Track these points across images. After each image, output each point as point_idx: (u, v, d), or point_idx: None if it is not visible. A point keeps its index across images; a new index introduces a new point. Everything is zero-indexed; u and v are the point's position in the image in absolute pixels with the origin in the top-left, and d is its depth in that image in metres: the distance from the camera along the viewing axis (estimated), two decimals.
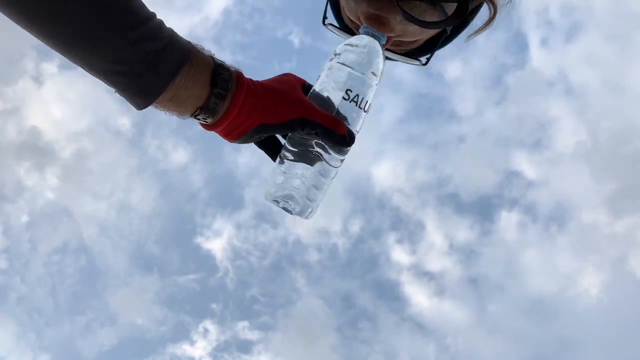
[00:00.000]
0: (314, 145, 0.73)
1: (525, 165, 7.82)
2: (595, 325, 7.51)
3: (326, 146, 0.73)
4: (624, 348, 7.17)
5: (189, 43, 0.65)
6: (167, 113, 0.67)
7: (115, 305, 7.70)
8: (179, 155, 8.09)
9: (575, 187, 7.85)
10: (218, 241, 7.85)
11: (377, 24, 0.74)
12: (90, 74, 0.64)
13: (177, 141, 8.12)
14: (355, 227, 7.86)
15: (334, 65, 0.75)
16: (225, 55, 0.72)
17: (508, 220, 7.75)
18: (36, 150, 7.70)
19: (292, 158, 0.75)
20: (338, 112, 0.73)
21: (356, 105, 0.74)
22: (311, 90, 0.75)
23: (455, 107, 8.05)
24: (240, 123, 0.69)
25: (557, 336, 7.49)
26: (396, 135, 8.02)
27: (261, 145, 0.79)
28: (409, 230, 7.87)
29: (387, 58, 0.78)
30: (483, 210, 7.85)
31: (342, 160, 0.76)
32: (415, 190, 7.94)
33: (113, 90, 0.65)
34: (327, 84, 0.74)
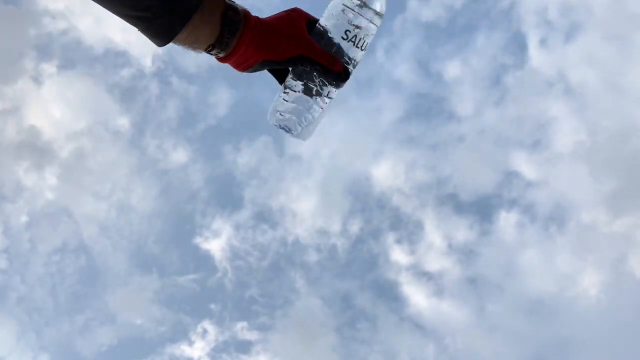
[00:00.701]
0: (314, 77, 0.82)
1: (525, 165, 7.82)
2: (595, 325, 7.52)
3: (324, 80, 0.81)
4: (623, 348, 7.18)
5: None
6: (183, 48, 0.76)
7: (115, 305, 7.70)
8: (179, 155, 8.08)
9: (575, 187, 7.86)
10: (217, 241, 7.85)
11: None
12: (117, 17, 0.72)
13: (177, 141, 8.12)
14: (355, 227, 7.86)
15: (337, 4, 0.81)
16: None
17: (507, 220, 7.76)
18: (36, 150, 7.69)
19: (295, 87, 0.83)
20: (337, 49, 0.81)
21: (354, 45, 0.81)
22: (317, 25, 0.83)
23: (454, 107, 8.05)
24: (247, 58, 0.78)
25: (556, 336, 7.50)
26: (395, 135, 8.02)
27: (270, 71, 0.87)
28: (408, 231, 7.87)
29: None
30: (482, 210, 7.85)
31: (337, 92, 0.84)
32: (414, 190, 7.94)
33: (136, 29, 0.74)
34: (329, 21, 0.81)
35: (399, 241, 7.85)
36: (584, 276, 7.62)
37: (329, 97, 0.84)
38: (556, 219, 7.68)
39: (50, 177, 7.80)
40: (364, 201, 7.96)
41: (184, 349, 7.47)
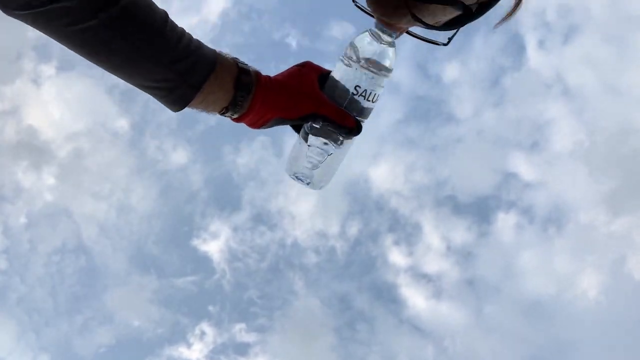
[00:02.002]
0: (327, 132, 0.84)
1: (523, 166, 7.83)
2: (593, 327, 7.51)
3: (337, 133, 0.84)
4: (622, 350, 7.18)
5: (214, 55, 0.78)
6: (198, 111, 0.80)
7: (113, 307, 7.69)
8: (178, 156, 8.08)
9: (573, 188, 7.86)
10: (215, 243, 7.85)
11: (386, 25, 0.81)
12: (134, 86, 0.77)
13: (176, 142, 8.11)
14: (353, 229, 7.86)
15: (350, 62, 0.82)
16: None
17: (505, 222, 7.76)
18: (35, 150, 7.69)
19: (309, 140, 0.85)
20: (348, 104, 0.83)
21: (364, 99, 0.83)
22: (329, 77, 0.84)
23: (453, 109, 8.05)
24: (260, 117, 0.81)
25: (555, 338, 7.50)
26: (394, 137, 8.03)
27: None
28: (407, 232, 7.87)
29: (410, 34, 0.83)
30: (480, 212, 7.85)
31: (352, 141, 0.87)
32: (412, 192, 7.95)
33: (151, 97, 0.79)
34: (341, 75, 0.83)
35: (397, 243, 7.85)
36: (582, 278, 7.62)
37: (343, 147, 0.86)
38: (554, 220, 7.69)
39: (50, 178, 7.81)
40: (363, 203, 7.97)
41: (182, 350, 7.47)
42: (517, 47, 7.85)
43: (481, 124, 8.00)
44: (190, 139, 8.09)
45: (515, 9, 0.80)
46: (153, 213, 8.01)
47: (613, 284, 7.43)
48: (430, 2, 0.73)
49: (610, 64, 7.74)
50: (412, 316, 7.69)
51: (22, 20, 0.70)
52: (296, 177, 0.88)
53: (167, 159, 8.11)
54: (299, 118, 0.82)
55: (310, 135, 0.84)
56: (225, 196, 8.06)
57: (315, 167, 0.86)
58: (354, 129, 0.82)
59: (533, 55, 7.86)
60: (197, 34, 0.79)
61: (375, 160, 8.01)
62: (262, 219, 7.90)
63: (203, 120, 8.11)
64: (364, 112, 0.84)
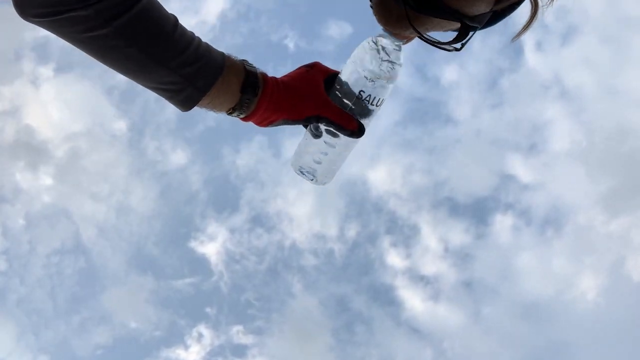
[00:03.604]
0: (332, 133, 0.87)
1: (521, 168, 7.84)
2: (592, 328, 7.51)
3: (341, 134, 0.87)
4: (621, 351, 7.18)
5: (222, 58, 0.80)
6: (206, 111, 0.83)
7: (111, 308, 7.68)
8: (178, 157, 8.07)
9: (571, 189, 7.87)
10: (213, 245, 7.84)
11: (392, 34, 0.83)
12: (143, 87, 0.81)
13: (175, 143, 8.11)
14: (352, 231, 7.86)
15: (357, 69, 0.85)
16: None
17: (503, 223, 7.76)
18: (35, 151, 7.68)
19: (314, 138, 0.89)
20: (353, 106, 0.86)
21: (368, 103, 0.86)
22: (337, 79, 0.87)
23: (451, 111, 8.06)
24: (266, 118, 0.84)
25: (553, 340, 7.49)
26: (392, 139, 8.03)
27: None
28: (405, 234, 7.87)
29: (421, 38, 0.83)
30: (478, 213, 7.85)
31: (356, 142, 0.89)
32: (410, 194, 7.95)
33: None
34: (348, 78, 0.86)
35: (395, 245, 7.85)
36: (580, 279, 7.63)
37: (347, 146, 0.89)
38: (552, 221, 7.70)
39: (49, 179, 7.79)
40: (361, 205, 7.97)
41: (180, 352, 7.46)
42: (514, 49, 7.87)
43: (479, 126, 8.01)
44: (189, 140, 8.09)
45: (532, 20, 0.82)
46: (152, 214, 8.00)
47: (611, 285, 7.44)
48: (430, 15, 0.76)
49: (607, 65, 7.76)
50: (410, 318, 7.69)
51: (39, 25, 0.72)
52: (301, 171, 0.92)
53: (166, 160, 8.11)
54: (304, 119, 0.85)
55: (315, 134, 0.88)
56: (223, 198, 8.05)
57: (319, 163, 0.90)
58: (356, 132, 0.85)
59: (531, 56, 7.87)
60: (196, 35, 0.80)
61: (373, 162, 8.01)
62: (260, 220, 7.90)
63: (202, 122, 8.09)
64: (368, 115, 0.87)
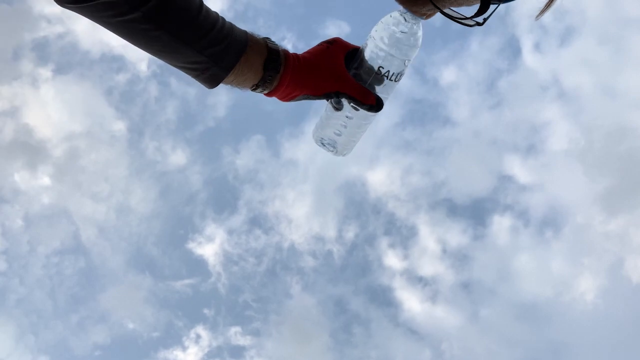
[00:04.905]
0: (352, 106, 0.90)
1: (519, 169, 7.84)
2: (591, 329, 7.51)
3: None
4: (619, 352, 7.18)
5: (245, 37, 0.85)
6: (231, 87, 0.87)
7: (110, 308, 7.66)
8: (178, 157, 8.06)
9: (569, 189, 7.87)
10: (211, 246, 7.82)
11: (410, 11, 0.84)
12: (170, 65, 0.85)
13: (175, 143, 8.09)
14: (350, 233, 7.85)
15: (377, 44, 0.87)
16: None
17: (501, 224, 7.76)
18: (34, 152, 7.67)
19: (336, 111, 0.92)
20: (372, 81, 0.89)
21: (387, 78, 0.89)
22: (357, 53, 0.90)
23: (449, 111, 8.06)
24: (289, 93, 0.89)
25: (552, 341, 7.49)
26: (391, 140, 8.02)
27: None
28: (403, 236, 7.87)
29: (442, 13, 0.83)
30: (476, 214, 7.85)
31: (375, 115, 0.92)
32: (408, 195, 7.95)
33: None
34: (368, 54, 0.88)
35: (393, 246, 7.84)
36: (579, 280, 7.63)
37: (366, 119, 0.92)
38: (550, 222, 7.69)
39: (48, 180, 7.78)
40: (359, 206, 7.96)
41: (177, 353, 7.44)
42: (513, 50, 7.88)
43: (477, 127, 8.01)
44: (189, 141, 8.08)
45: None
46: (151, 215, 7.99)
47: (610, 286, 7.44)
48: None
49: (605, 65, 7.77)
50: (408, 319, 7.68)
51: (73, 11, 0.77)
52: (322, 143, 0.96)
53: (165, 160, 8.10)
54: (324, 95, 0.89)
55: (336, 107, 0.92)
56: (222, 199, 8.04)
57: (339, 135, 0.94)
58: (375, 106, 0.88)
59: (529, 57, 7.88)
60: (219, 14, 0.84)
61: (371, 163, 8.01)
62: (258, 222, 7.90)
63: (202, 122, 8.09)
64: (387, 90, 0.90)
